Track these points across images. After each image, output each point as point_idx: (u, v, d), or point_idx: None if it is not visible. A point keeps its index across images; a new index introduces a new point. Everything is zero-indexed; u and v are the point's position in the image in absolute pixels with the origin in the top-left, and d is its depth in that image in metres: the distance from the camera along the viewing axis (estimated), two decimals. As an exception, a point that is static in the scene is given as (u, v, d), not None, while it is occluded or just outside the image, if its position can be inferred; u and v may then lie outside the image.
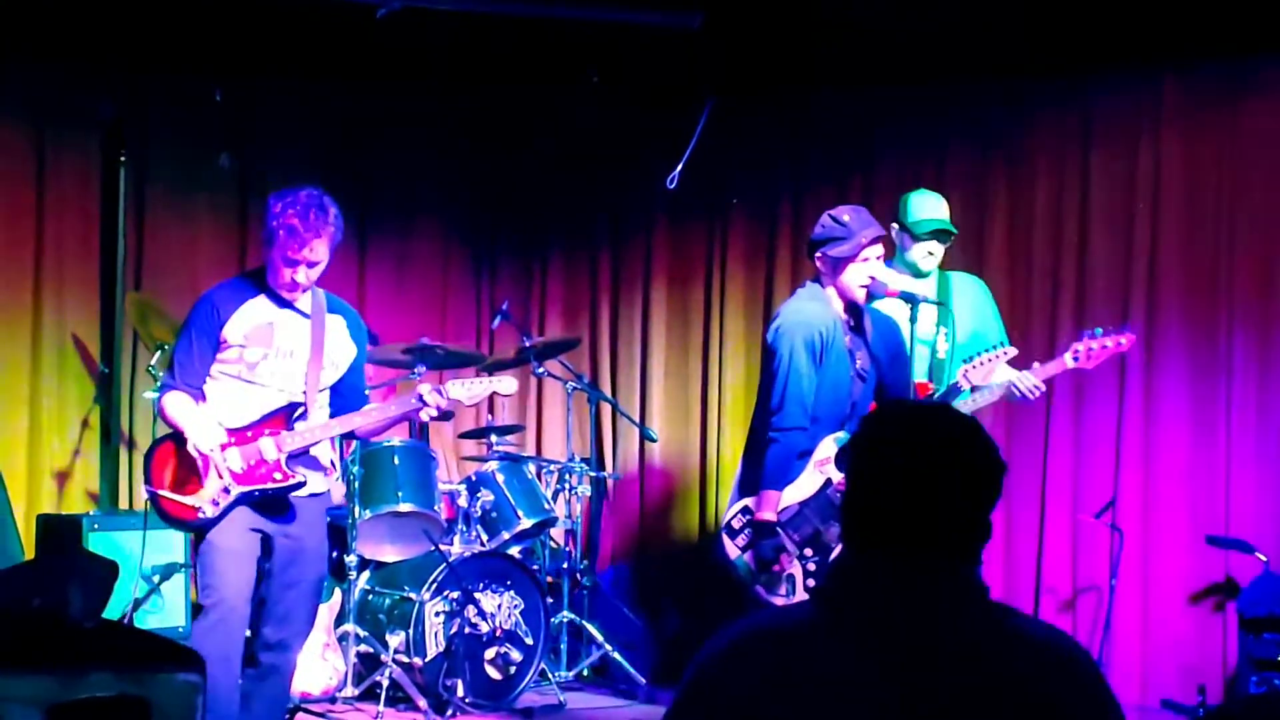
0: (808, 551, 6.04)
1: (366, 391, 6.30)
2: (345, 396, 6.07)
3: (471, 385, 6.07)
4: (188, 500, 5.76)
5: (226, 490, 5.75)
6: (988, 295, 7.31)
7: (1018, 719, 2.47)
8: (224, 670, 5.74)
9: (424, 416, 6.01)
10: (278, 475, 5.82)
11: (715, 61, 8.86)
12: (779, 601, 5.99)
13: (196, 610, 5.87)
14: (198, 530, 5.83)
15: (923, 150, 8.71)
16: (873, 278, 6.22)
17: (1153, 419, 7.89)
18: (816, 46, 8.70)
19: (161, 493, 5.82)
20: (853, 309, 6.32)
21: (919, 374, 6.91)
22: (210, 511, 5.75)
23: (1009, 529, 8.22)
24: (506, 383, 6.21)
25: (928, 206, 7.08)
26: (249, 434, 5.82)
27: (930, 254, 7.01)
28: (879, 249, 6.27)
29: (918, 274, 7.05)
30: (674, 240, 9.87)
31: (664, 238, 9.89)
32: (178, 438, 5.85)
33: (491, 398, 10.10)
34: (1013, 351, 6.46)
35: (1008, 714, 2.47)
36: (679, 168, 8.67)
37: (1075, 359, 6.50)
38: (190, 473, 5.80)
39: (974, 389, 6.63)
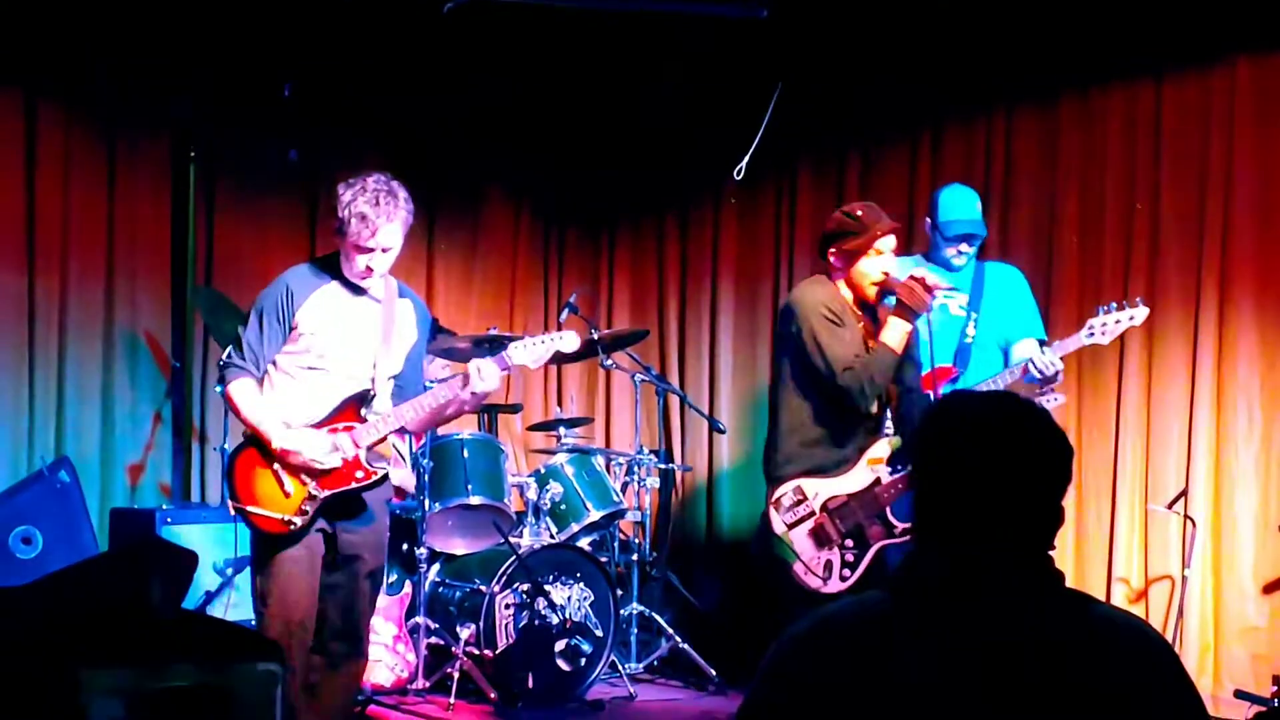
0: (848, 543, 6.10)
1: (428, 384, 6.25)
2: (405, 388, 6.05)
3: (534, 347, 6.03)
4: (277, 515, 5.71)
5: (313, 496, 5.75)
6: (1023, 285, 7.38)
7: (1096, 705, 2.46)
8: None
9: (476, 388, 5.91)
10: (359, 474, 5.81)
11: (782, 52, 8.84)
12: (813, 581, 6.05)
13: (258, 613, 5.82)
14: (285, 539, 5.81)
15: (991, 137, 8.68)
16: (886, 273, 6.23)
17: (1224, 407, 7.83)
18: (882, 34, 8.66)
19: (250, 509, 5.76)
20: (864, 306, 6.32)
21: (945, 359, 6.97)
22: (301, 521, 5.73)
23: (1080, 520, 8.19)
24: (568, 339, 6.11)
25: (957, 206, 7.13)
26: (324, 431, 5.80)
27: (960, 253, 7.09)
28: (892, 242, 6.28)
29: (950, 269, 7.11)
30: (742, 231, 9.87)
31: (731, 228, 9.89)
32: (256, 443, 5.81)
33: (560, 391, 10.20)
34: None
35: (1086, 701, 2.46)
36: (746, 158, 8.67)
37: (1090, 334, 6.58)
38: (273, 481, 5.77)
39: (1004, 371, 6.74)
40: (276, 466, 5.76)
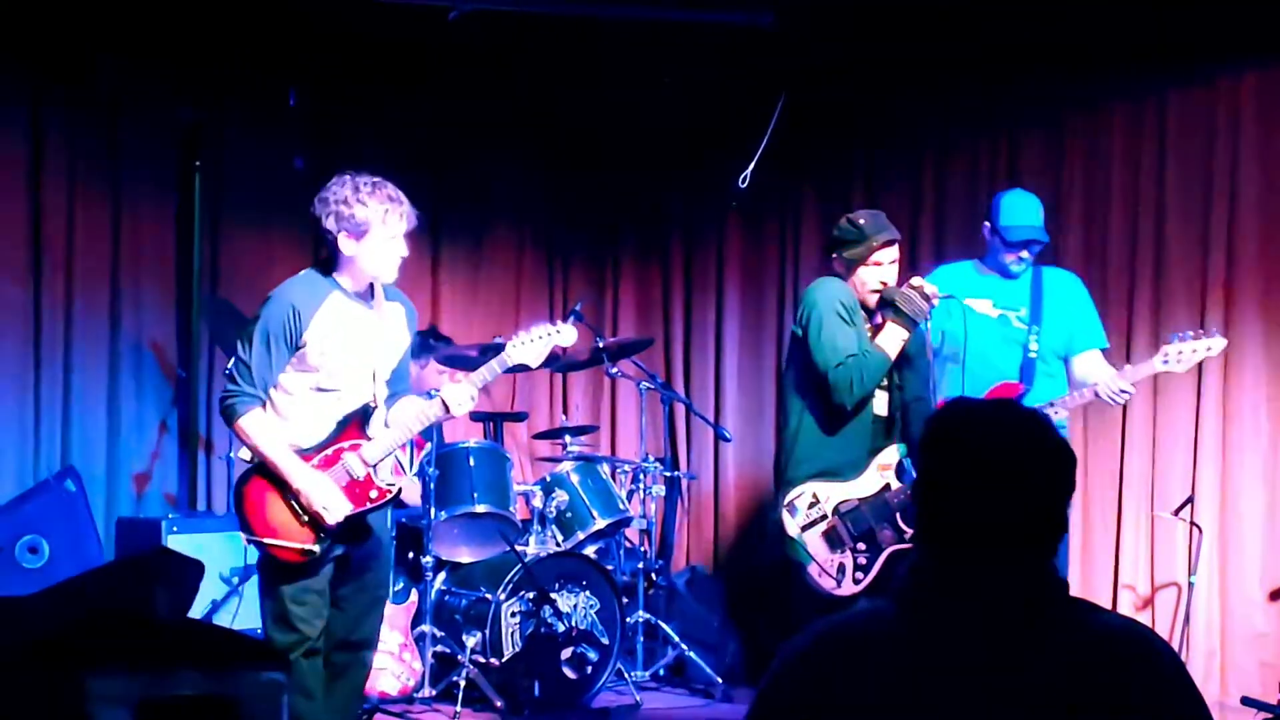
0: (860, 546, 6.16)
1: (430, 393, 6.20)
2: (396, 390, 5.97)
3: (533, 343, 6.01)
4: (296, 545, 5.63)
5: (331, 521, 5.68)
6: (1082, 291, 7.30)
7: (1101, 711, 2.46)
8: (309, 708, 5.71)
9: (455, 414, 5.90)
10: (373, 494, 5.75)
11: (787, 60, 8.84)
12: (827, 583, 6.12)
13: (269, 636, 5.72)
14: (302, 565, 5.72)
15: (996, 145, 8.67)
16: (884, 283, 6.26)
17: (1230, 414, 7.83)
18: (889, 43, 8.66)
19: (268, 541, 5.65)
20: (870, 310, 6.37)
21: (1008, 374, 6.95)
22: (320, 549, 5.66)
23: (1086, 526, 8.18)
24: (566, 332, 6.10)
25: (1020, 211, 7.06)
26: (331, 453, 5.72)
27: (1021, 259, 7.03)
28: (893, 252, 6.32)
29: (1007, 275, 7.07)
30: (746, 239, 9.87)
31: (736, 236, 9.89)
32: (263, 470, 5.71)
33: (566, 400, 10.20)
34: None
35: (1091, 706, 2.45)
36: (750, 167, 8.67)
37: (1165, 362, 6.57)
38: (287, 508, 5.67)
39: (1073, 389, 6.75)
40: (297, 505, 5.69)
